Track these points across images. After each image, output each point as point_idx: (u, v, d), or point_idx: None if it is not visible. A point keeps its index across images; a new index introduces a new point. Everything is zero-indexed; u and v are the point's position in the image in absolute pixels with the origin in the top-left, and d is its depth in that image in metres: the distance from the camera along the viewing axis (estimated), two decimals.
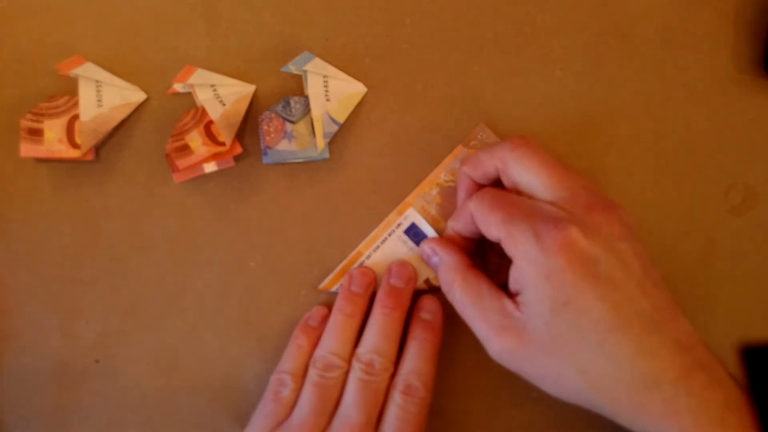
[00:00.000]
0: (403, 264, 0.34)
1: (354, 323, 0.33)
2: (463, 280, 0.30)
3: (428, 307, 0.33)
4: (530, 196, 0.28)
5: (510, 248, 0.27)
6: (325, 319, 0.33)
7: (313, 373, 0.31)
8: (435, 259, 0.32)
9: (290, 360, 0.32)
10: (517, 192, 0.29)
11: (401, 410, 0.30)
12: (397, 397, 0.31)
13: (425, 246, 0.32)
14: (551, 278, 0.26)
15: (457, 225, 0.32)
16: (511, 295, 0.28)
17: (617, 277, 0.25)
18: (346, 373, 0.32)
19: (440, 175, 0.35)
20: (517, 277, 0.27)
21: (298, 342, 0.33)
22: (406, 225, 0.34)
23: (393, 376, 0.32)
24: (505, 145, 0.29)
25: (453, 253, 0.31)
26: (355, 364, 0.31)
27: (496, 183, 0.31)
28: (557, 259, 0.25)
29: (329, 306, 0.34)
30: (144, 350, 0.35)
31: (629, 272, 0.26)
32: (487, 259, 0.33)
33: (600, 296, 0.25)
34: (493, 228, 0.28)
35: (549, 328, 0.26)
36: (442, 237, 0.33)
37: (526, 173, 0.28)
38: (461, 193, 0.32)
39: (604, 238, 0.26)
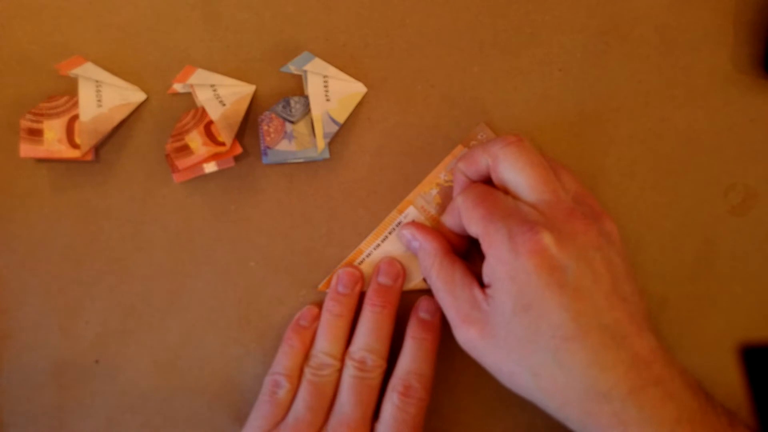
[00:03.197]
0: (390, 261, 0.34)
1: (342, 323, 0.33)
2: (440, 264, 0.30)
3: (427, 307, 0.33)
4: (516, 196, 0.29)
5: (485, 245, 0.27)
6: (316, 318, 0.34)
7: (307, 372, 0.32)
8: (414, 244, 0.32)
9: (284, 360, 0.33)
10: (505, 190, 0.29)
11: (399, 411, 0.30)
12: (395, 398, 0.31)
13: (405, 230, 0.33)
14: (517, 280, 0.26)
15: (448, 220, 0.32)
16: (484, 287, 0.28)
17: (584, 287, 0.26)
18: (339, 371, 0.32)
19: (440, 174, 0.35)
20: (488, 272, 0.27)
21: (291, 342, 0.33)
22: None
23: (385, 372, 0.32)
24: (497, 142, 0.29)
25: (432, 239, 0.31)
26: (348, 363, 0.32)
27: (489, 180, 0.31)
28: (526, 263, 0.26)
29: (321, 305, 0.34)
30: (144, 350, 0.35)
31: (598, 283, 0.26)
32: (472, 257, 0.34)
33: (562, 304, 0.25)
34: (473, 224, 0.28)
35: (509, 327, 0.26)
36: (430, 227, 0.33)
37: (513, 172, 0.28)
38: (456, 190, 0.32)
39: (578, 247, 0.26)
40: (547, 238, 0.26)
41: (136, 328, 0.35)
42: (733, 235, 0.35)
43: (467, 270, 0.30)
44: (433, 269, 0.30)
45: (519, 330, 0.26)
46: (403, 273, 0.34)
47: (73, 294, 0.34)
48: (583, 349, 0.25)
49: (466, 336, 0.28)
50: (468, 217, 0.29)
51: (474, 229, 0.28)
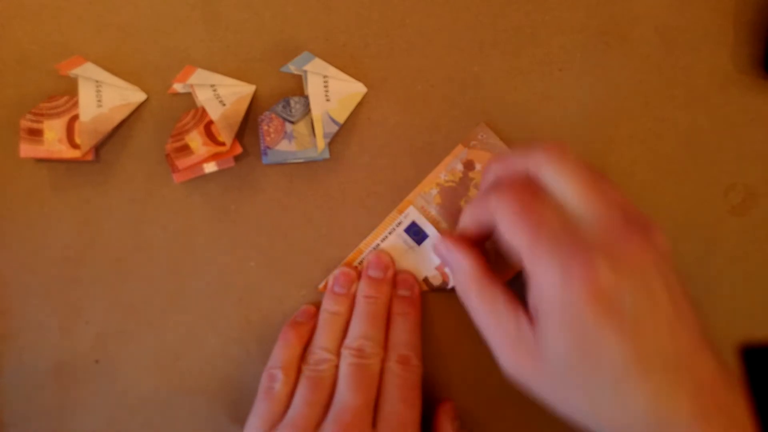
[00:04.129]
0: (378, 254, 0.34)
1: (340, 320, 0.33)
2: (479, 289, 0.28)
3: (404, 284, 0.34)
4: (560, 204, 0.26)
5: (530, 265, 0.25)
6: (313, 316, 0.34)
7: (305, 369, 0.32)
8: (451, 261, 0.30)
9: (279, 354, 0.33)
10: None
11: (400, 378, 0.31)
12: (394, 367, 0.31)
13: (440, 246, 0.30)
14: (571, 313, 0.24)
15: (469, 216, 0.30)
16: (527, 309, 0.27)
17: (644, 317, 0.24)
18: (337, 366, 0.32)
19: (440, 174, 0.35)
20: (536, 301, 0.26)
21: (286, 337, 0.33)
22: (406, 223, 0.34)
23: (383, 361, 0.32)
24: (539, 149, 0.27)
25: (469, 257, 0.29)
26: (345, 352, 0.32)
27: None
28: (580, 296, 0.24)
29: (318, 305, 0.34)
30: (144, 350, 0.35)
31: (658, 310, 0.24)
32: (488, 254, 0.33)
33: (622, 338, 0.24)
34: (515, 236, 0.26)
35: (565, 359, 0.25)
36: (456, 233, 0.31)
37: (560, 182, 0.26)
38: (483, 188, 0.30)
39: (635, 273, 0.24)
40: (602, 268, 0.24)
41: (136, 328, 0.35)
42: (733, 235, 0.35)
43: (510, 293, 0.28)
44: (471, 293, 0.28)
45: (577, 362, 0.24)
46: (392, 263, 0.34)
47: (73, 294, 0.34)
48: (645, 382, 0.24)
49: (515, 366, 0.27)
50: (508, 224, 0.26)
51: (516, 241, 0.26)
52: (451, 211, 0.35)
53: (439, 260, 0.35)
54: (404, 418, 0.30)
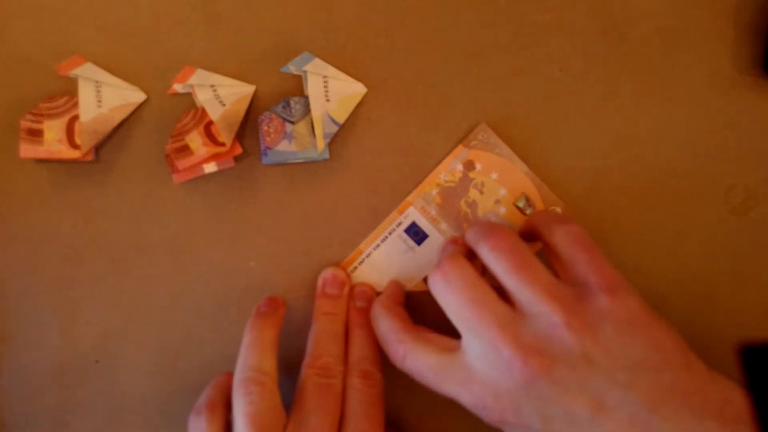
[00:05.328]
0: (334, 273, 0.34)
1: (338, 321, 0.33)
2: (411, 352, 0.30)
3: (362, 296, 0.34)
4: (569, 270, 0.28)
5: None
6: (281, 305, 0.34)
7: (310, 374, 0.31)
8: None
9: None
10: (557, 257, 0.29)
11: (363, 394, 0.31)
12: (357, 383, 0.31)
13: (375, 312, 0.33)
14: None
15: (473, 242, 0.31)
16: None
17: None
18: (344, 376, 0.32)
19: (440, 175, 0.35)
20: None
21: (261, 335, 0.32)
22: (406, 224, 0.35)
23: (345, 376, 0.32)
24: (558, 224, 0.29)
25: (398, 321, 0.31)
26: (309, 371, 0.31)
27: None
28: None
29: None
30: (144, 350, 0.35)
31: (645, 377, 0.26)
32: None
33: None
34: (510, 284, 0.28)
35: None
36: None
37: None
38: (482, 231, 0.31)
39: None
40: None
41: (136, 328, 0.35)
42: (733, 235, 0.35)
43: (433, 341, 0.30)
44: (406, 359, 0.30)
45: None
46: (348, 280, 0.35)
47: (73, 294, 0.34)
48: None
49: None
50: (499, 271, 0.28)
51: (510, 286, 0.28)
52: (450, 212, 0.35)
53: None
54: None
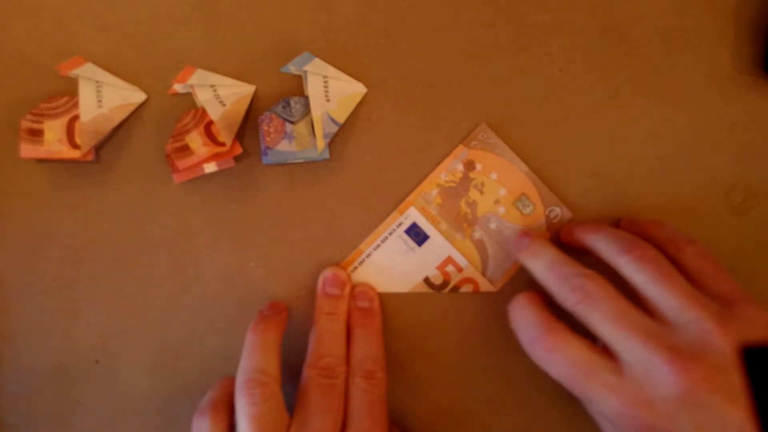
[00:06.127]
0: (334, 272, 0.34)
1: (340, 320, 0.33)
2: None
3: (363, 296, 0.34)
4: (653, 305, 0.28)
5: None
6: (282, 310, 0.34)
7: (312, 374, 0.31)
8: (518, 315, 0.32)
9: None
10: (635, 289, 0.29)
11: (367, 394, 0.30)
12: (360, 383, 0.31)
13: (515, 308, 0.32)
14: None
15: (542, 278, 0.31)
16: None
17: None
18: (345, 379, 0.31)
19: (440, 175, 0.35)
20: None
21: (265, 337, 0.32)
22: (407, 224, 0.34)
23: (348, 376, 0.32)
24: (624, 252, 0.29)
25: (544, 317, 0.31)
26: (311, 372, 0.31)
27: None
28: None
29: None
30: (144, 350, 0.35)
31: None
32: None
33: None
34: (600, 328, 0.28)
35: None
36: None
37: (648, 286, 0.28)
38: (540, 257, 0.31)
39: (683, 412, 0.26)
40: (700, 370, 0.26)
41: (136, 328, 0.35)
42: (733, 235, 0.35)
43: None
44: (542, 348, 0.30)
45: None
46: (349, 281, 0.35)
47: (73, 294, 0.34)
48: None
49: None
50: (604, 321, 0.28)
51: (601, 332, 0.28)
52: (451, 212, 0.35)
53: (439, 260, 0.35)
54: None
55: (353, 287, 0.35)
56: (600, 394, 0.27)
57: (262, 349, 0.31)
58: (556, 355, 0.29)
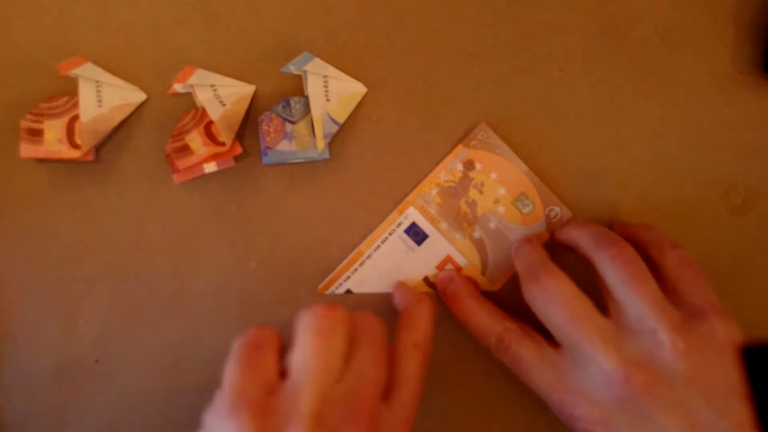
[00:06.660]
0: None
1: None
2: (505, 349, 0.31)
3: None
4: (619, 306, 0.29)
5: (575, 356, 0.28)
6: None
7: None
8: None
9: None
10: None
11: (419, 363, 0.29)
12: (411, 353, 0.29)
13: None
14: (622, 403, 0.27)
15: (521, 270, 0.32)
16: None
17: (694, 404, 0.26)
18: None
19: (440, 174, 0.35)
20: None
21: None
22: (406, 224, 0.34)
23: None
24: (604, 248, 0.29)
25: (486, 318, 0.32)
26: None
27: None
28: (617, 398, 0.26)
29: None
30: (144, 350, 0.35)
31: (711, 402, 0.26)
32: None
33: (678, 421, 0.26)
34: (562, 327, 0.29)
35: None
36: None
37: (623, 289, 0.28)
38: (527, 259, 0.32)
39: (626, 414, 0.27)
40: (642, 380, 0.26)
41: (136, 328, 0.35)
42: (733, 235, 0.35)
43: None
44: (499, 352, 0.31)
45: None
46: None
47: (73, 294, 0.34)
48: None
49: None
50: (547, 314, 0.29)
51: (562, 331, 0.29)
52: (450, 211, 0.35)
53: (438, 260, 0.35)
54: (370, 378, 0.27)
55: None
56: (544, 391, 0.28)
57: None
58: (511, 354, 0.30)
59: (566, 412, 0.28)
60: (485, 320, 0.32)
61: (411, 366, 0.29)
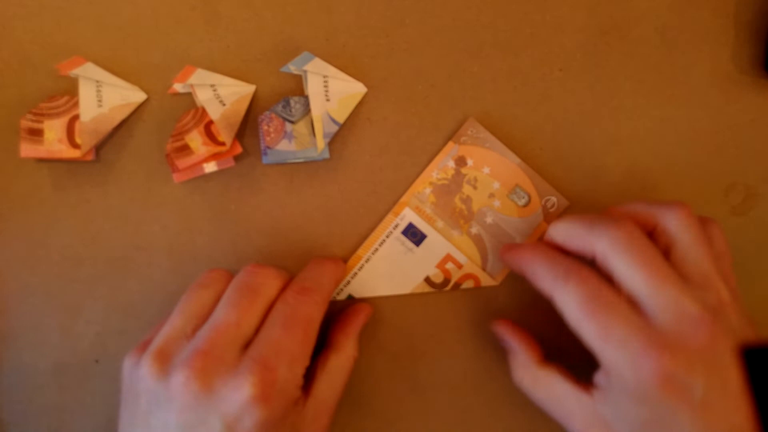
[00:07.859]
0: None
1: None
2: (533, 379, 0.30)
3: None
4: (628, 291, 0.27)
5: (602, 354, 0.27)
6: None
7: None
8: (506, 343, 0.32)
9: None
10: (610, 278, 0.28)
11: (290, 307, 0.29)
12: (288, 296, 0.30)
13: (499, 328, 0.33)
14: (645, 396, 0.26)
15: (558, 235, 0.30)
16: (584, 384, 0.29)
17: (714, 399, 0.25)
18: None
19: (432, 173, 0.35)
20: (606, 383, 0.27)
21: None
22: (403, 225, 0.34)
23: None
24: (605, 232, 0.27)
25: (523, 347, 0.31)
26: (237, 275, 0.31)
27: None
28: (654, 390, 0.25)
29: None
30: None
31: (727, 391, 0.26)
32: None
33: (694, 421, 0.25)
34: (584, 327, 0.27)
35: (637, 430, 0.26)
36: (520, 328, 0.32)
37: (629, 272, 0.27)
38: (539, 259, 0.30)
39: (706, 363, 0.26)
40: (672, 366, 0.25)
41: (136, 328, 0.35)
42: (733, 235, 0.35)
43: (566, 375, 0.30)
44: (524, 382, 0.31)
45: None
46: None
47: (73, 294, 0.34)
48: None
49: None
50: (577, 312, 0.27)
51: (584, 329, 0.27)
52: (446, 209, 0.35)
53: (438, 259, 0.35)
54: (279, 345, 0.28)
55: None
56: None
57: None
58: (540, 391, 0.30)
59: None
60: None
61: (276, 310, 0.29)
